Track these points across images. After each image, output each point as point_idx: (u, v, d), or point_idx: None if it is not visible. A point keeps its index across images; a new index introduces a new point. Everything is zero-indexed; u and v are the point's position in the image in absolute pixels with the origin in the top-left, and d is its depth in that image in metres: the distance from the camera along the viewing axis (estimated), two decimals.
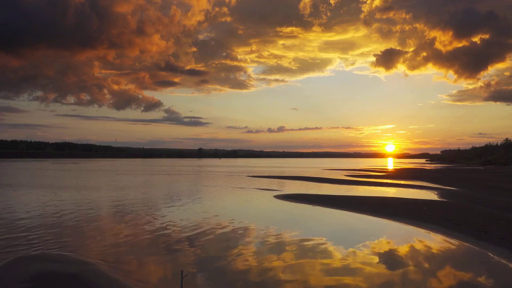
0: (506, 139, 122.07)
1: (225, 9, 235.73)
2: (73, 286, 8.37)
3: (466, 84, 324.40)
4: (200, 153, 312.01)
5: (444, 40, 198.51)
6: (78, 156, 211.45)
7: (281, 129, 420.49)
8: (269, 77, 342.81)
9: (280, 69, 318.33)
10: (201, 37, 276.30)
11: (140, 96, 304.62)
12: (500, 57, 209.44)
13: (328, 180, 42.76)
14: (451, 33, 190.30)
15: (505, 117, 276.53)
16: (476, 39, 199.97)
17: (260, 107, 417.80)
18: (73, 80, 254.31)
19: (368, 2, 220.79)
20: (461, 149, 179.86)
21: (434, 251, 11.62)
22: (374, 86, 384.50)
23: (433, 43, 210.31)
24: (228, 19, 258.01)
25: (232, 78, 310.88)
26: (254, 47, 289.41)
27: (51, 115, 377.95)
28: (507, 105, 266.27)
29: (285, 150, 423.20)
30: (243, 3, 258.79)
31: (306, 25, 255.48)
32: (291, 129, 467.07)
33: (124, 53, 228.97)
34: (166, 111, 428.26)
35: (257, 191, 29.82)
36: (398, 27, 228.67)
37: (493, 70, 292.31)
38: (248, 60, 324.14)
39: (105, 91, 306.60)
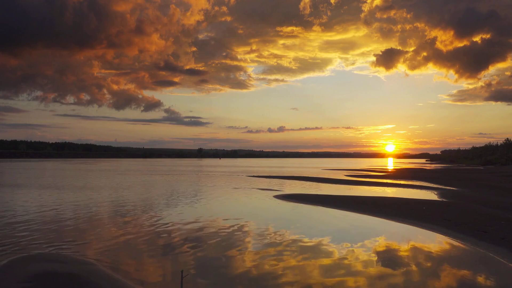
0: (507, 139, 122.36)
1: (224, 9, 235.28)
2: (73, 286, 8.37)
3: (467, 84, 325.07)
4: (200, 153, 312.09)
5: (445, 39, 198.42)
6: (78, 156, 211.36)
7: (281, 129, 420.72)
8: (269, 77, 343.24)
9: (280, 69, 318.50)
10: (200, 36, 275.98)
11: (140, 96, 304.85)
12: (501, 57, 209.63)
13: (328, 180, 42.76)
14: (452, 32, 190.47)
15: (505, 117, 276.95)
16: (477, 38, 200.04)
17: (260, 107, 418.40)
18: (72, 79, 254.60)
19: (368, 1, 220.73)
20: (461, 149, 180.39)
21: (434, 251, 11.62)
22: (374, 86, 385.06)
23: (434, 43, 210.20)
24: (228, 18, 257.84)
25: (232, 78, 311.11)
26: (254, 47, 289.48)
27: (51, 115, 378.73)
28: (508, 105, 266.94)
29: (285, 150, 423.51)
30: (242, 2, 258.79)
31: (306, 25, 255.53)
32: (291, 129, 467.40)
33: (123, 52, 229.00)
34: (166, 111, 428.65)
35: (257, 191, 29.81)
36: (398, 27, 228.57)
37: (494, 70, 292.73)
38: (248, 59, 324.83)
39: (105, 90, 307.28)
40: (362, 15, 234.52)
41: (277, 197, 25.58)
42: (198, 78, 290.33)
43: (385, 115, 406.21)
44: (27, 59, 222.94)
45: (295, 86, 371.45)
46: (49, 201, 22.78)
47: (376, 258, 10.81)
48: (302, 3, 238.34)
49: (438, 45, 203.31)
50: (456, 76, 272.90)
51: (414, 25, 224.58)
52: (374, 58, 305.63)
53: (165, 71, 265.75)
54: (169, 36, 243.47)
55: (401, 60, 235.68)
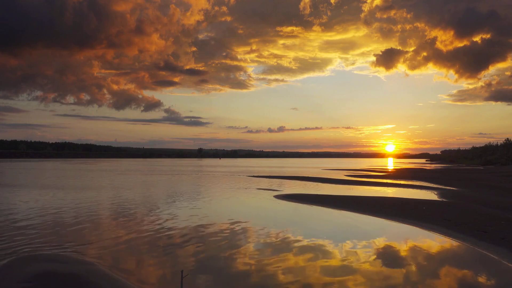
0: (507, 139, 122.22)
1: (224, 9, 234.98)
2: (73, 286, 8.37)
3: (467, 84, 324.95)
4: (200, 153, 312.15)
5: (445, 39, 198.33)
6: (78, 156, 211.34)
7: (281, 129, 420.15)
8: (269, 77, 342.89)
9: (280, 69, 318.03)
10: (200, 36, 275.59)
11: (140, 96, 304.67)
12: (501, 57, 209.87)
13: (328, 180, 42.76)
14: (452, 32, 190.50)
15: (505, 117, 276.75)
16: (477, 38, 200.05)
17: (260, 107, 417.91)
18: (72, 79, 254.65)
19: (368, 1, 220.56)
20: (461, 149, 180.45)
21: (434, 251, 11.62)
22: (374, 86, 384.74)
23: (434, 43, 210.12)
24: (228, 18, 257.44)
25: (232, 78, 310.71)
26: (254, 47, 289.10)
27: (51, 115, 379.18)
28: (508, 105, 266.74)
29: (285, 150, 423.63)
30: (242, 2, 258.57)
31: (306, 25, 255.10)
32: (291, 129, 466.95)
33: (123, 52, 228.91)
34: (166, 111, 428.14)
35: (257, 191, 29.81)
36: (399, 27, 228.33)
37: (494, 70, 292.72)
38: (248, 59, 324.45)
39: (105, 90, 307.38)
40: (362, 15, 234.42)
41: (277, 197, 25.58)
42: (198, 78, 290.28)
43: (385, 115, 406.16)
44: (27, 59, 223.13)
45: (295, 86, 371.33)
46: (49, 201, 22.78)
47: (376, 258, 10.81)
48: (302, 3, 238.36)
49: (438, 45, 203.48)
50: (456, 76, 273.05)
51: (414, 25, 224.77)
52: (374, 58, 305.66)
53: (165, 71, 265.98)
54: (169, 36, 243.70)
55: (401, 60, 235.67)
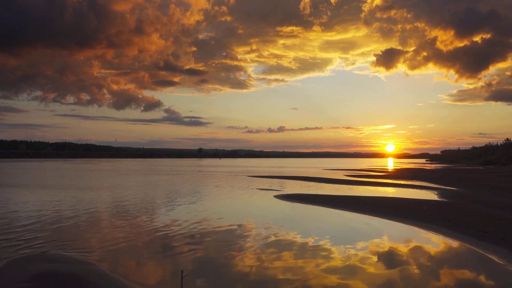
0: (507, 139, 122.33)
1: (224, 8, 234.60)
2: (73, 286, 8.37)
3: (467, 84, 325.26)
4: (200, 153, 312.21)
5: (445, 39, 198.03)
6: (78, 156, 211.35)
7: (281, 129, 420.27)
8: (269, 77, 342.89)
9: (280, 69, 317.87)
10: (200, 36, 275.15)
11: (140, 96, 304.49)
12: (501, 57, 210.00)
13: (328, 180, 42.76)
14: (452, 32, 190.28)
15: (505, 117, 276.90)
16: (477, 38, 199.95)
17: (260, 107, 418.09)
18: (72, 79, 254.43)
19: (368, 1, 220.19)
20: (461, 149, 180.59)
21: (434, 251, 11.62)
22: (374, 86, 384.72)
23: (434, 43, 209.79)
24: (228, 18, 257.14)
25: (232, 78, 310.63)
26: (254, 47, 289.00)
27: (51, 115, 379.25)
28: (508, 105, 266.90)
29: (285, 150, 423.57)
30: (242, 2, 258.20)
31: (306, 25, 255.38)
32: (291, 129, 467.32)
33: (122, 52, 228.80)
34: (166, 111, 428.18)
35: (258, 191, 29.82)
36: (399, 27, 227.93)
37: (494, 70, 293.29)
38: (248, 59, 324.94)
39: (105, 90, 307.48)
40: (362, 15, 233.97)
41: (277, 197, 25.59)
42: (198, 78, 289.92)
43: (385, 115, 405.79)
44: (27, 59, 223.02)
45: (295, 86, 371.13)
46: (49, 201, 22.78)
47: (376, 258, 10.82)
48: (302, 3, 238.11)
49: (438, 45, 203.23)
50: (456, 76, 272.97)
51: (414, 25, 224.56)
52: (374, 58, 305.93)
53: (165, 71, 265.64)
54: (169, 36, 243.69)
55: (401, 60, 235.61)
